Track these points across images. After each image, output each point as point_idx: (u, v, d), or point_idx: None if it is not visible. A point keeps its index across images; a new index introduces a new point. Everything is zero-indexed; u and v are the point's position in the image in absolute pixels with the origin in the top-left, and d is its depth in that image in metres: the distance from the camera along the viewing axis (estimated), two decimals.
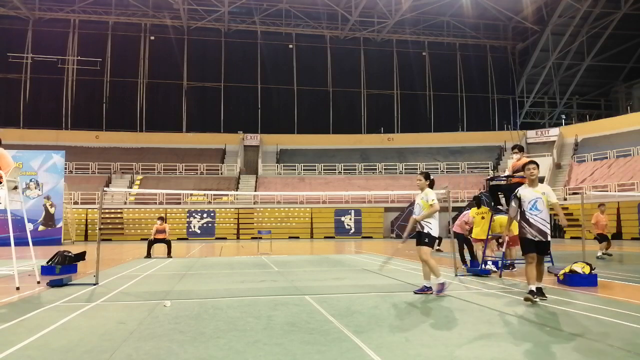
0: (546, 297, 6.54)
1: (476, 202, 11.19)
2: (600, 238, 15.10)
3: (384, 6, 41.78)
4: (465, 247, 11.81)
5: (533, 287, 6.42)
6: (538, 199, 6.54)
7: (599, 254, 14.67)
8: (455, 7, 42.78)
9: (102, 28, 43.50)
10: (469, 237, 11.59)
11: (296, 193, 34.77)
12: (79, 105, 42.79)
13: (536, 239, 6.47)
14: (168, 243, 16.10)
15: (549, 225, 6.55)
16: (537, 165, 6.82)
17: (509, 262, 10.66)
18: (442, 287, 7.19)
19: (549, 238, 6.57)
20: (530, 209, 6.54)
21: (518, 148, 10.07)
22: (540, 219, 6.49)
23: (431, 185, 7.56)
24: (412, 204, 7.62)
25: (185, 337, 4.71)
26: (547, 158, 37.45)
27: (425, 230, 7.25)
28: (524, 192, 6.69)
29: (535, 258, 6.52)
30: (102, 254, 10.02)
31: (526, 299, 6.32)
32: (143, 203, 34.39)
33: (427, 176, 7.54)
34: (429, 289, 7.30)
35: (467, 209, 12.05)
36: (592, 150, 36.63)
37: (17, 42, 41.48)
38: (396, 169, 39.93)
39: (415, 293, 7.32)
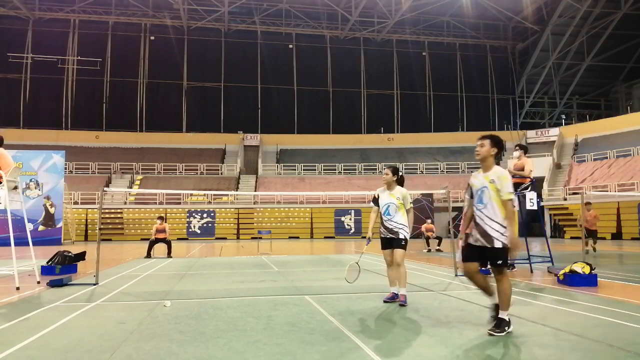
0: (502, 331, 4.60)
1: None
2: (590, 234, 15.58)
3: (384, 6, 41.78)
4: None
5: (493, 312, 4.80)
6: (484, 189, 4.72)
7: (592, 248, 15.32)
8: (455, 7, 42.77)
9: (102, 28, 43.50)
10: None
11: (296, 193, 34.79)
12: (79, 105, 42.78)
13: (477, 244, 4.76)
14: (168, 243, 16.10)
15: (498, 225, 4.63)
16: (492, 140, 4.86)
17: (509, 262, 10.66)
18: (405, 298, 6.37)
19: (498, 244, 4.60)
20: (477, 202, 4.80)
21: (520, 147, 10.08)
22: (484, 216, 4.71)
23: (401, 181, 6.69)
24: (375, 200, 6.65)
25: (185, 337, 4.71)
26: (547, 158, 37.46)
27: (402, 236, 6.39)
28: (473, 179, 4.95)
29: (477, 269, 4.80)
30: (102, 254, 10.02)
31: (489, 333, 4.61)
32: (143, 203, 34.39)
33: (395, 171, 6.59)
34: (397, 296, 6.50)
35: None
36: (592, 150, 36.62)
37: (17, 42, 41.48)
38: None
39: (385, 302, 6.52)
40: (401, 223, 6.42)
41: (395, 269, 6.42)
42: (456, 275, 9.61)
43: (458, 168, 39.92)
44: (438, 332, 4.79)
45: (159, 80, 44.01)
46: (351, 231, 34.34)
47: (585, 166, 35.30)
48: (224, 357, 4.01)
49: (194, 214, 33.46)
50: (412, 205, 6.53)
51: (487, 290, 4.90)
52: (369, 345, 4.33)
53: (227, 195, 34.74)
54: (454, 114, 47.53)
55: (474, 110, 48.05)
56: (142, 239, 28.93)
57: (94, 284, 8.47)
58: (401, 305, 6.28)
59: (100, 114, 43.23)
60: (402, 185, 6.68)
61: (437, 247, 18.73)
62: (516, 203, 9.81)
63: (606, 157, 34.84)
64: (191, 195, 34.54)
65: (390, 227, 6.44)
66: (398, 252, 6.35)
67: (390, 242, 6.44)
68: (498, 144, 4.87)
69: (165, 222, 17.08)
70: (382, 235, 6.55)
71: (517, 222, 10.07)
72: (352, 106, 46.67)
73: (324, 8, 43.46)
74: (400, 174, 6.72)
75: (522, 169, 9.66)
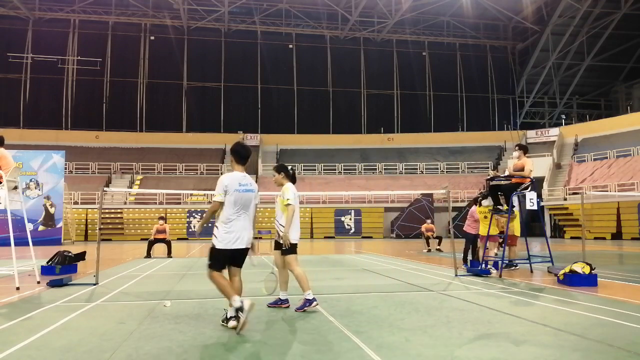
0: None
1: (480, 201, 11.12)
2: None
3: (384, 6, 41.78)
4: (470, 247, 11.77)
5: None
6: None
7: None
8: (455, 7, 42.77)
9: (102, 28, 43.51)
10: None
11: None
12: (79, 105, 42.79)
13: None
14: (168, 243, 16.10)
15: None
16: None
17: (508, 261, 10.67)
18: (308, 303, 5.87)
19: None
20: None
21: (519, 147, 10.10)
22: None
23: (292, 179, 6.21)
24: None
25: (185, 337, 4.71)
26: (547, 158, 37.46)
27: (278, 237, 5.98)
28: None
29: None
30: (102, 254, 10.02)
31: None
32: (143, 203, 34.38)
33: (279, 169, 6.24)
34: (285, 301, 6.13)
35: (472, 207, 11.90)
36: (592, 150, 36.62)
37: (17, 42, 41.48)
38: (396, 169, 39.93)
39: (269, 306, 6.15)
40: (282, 224, 6.02)
41: (281, 271, 6.18)
42: (456, 275, 9.61)
43: (458, 168, 39.92)
44: (438, 332, 4.78)
45: (159, 80, 44.01)
46: (351, 231, 34.34)
47: (585, 166, 35.30)
48: (224, 357, 4.01)
49: (194, 214, 33.45)
50: (289, 200, 5.91)
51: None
52: (369, 345, 4.32)
53: None
54: (454, 114, 47.52)
55: (474, 110, 48.05)
56: (142, 239, 28.92)
57: (94, 284, 8.47)
58: (296, 310, 5.92)
59: (100, 114, 43.23)
60: (294, 182, 6.21)
61: (437, 247, 18.73)
62: (516, 203, 9.80)
63: (606, 157, 34.84)
64: (191, 195, 34.53)
65: (276, 229, 6.17)
66: (285, 258, 6.06)
67: (277, 244, 6.14)
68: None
69: (166, 222, 17.09)
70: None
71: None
72: (352, 106, 46.67)
73: (324, 8, 43.45)
74: (291, 169, 6.29)
75: (522, 169, 9.65)
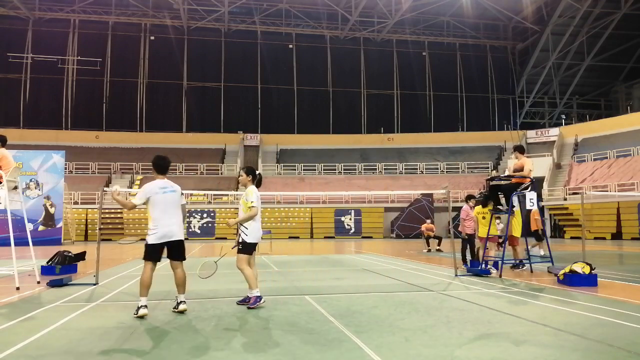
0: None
1: (482, 201, 11.12)
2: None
3: (384, 6, 41.77)
4: (467, 246, 11.79)
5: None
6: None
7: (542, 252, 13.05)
8: (455, 7, 42.76)
9: (102, 28, 43.50)
10: (465, 236, 11.54)
11: (296, 193, 34.77)
12: (79, 105, 42.78)
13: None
14: None
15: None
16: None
17: (517, 261, 10.68)
18: (256, 300, 6.23)
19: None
20: None
21: (514, 148, 10.15)
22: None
23: (258, 182, 6.54)
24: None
25: (185, 337, 4.71)
26: (547, 158, 37.46)
27: (241, 239, 6.29)
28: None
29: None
30: (102, 254, 10.01)
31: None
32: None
33: (249, 171, 6.51)
34: (248, 298, 6.38)
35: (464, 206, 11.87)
36: (592, 150, 36.62)
37: (17, 42, 41.47)
38: (396, 169, 39.92)
39: (238, 304, 6.46)
40: (244, 225, 6.28)
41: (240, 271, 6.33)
42: (456, 275, 9.61)
43: (458, 168, 39.91)
44: (438, 332, 4.79)
45: (159, 80, 44.01)
46: (351, 231, 34.33)
47: (585, 166, 35.29)
48: (224, 357, 4.01)
49: (194, 214, 33.46)
50: (253, 203, 6.25)
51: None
52: (369, 345, 4.33)
53: (227, 195, 34.71)
54: (454, 114, 47.51)
55: (474, 110, 48.04)
56: (142, 239, 28.90)
57: (94, 284, 8.47)
58: (249, 308, 6.15)
59: (100, 114, 43.23)
60: (259, 186, 6.51)
61: (437, 247, 18.74)
62: (516, 203, 9.80)
63: (606, 157, 34.84)
64: (191, 195, 34.51)
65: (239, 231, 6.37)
66: (237, 256, 6.33)
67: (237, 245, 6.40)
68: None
69: None
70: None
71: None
72: (352, 106, 46.67)
73: (324, 8, 43.44)
74: (258, 173, 6.58)
75: (522, 169, 9.65)
